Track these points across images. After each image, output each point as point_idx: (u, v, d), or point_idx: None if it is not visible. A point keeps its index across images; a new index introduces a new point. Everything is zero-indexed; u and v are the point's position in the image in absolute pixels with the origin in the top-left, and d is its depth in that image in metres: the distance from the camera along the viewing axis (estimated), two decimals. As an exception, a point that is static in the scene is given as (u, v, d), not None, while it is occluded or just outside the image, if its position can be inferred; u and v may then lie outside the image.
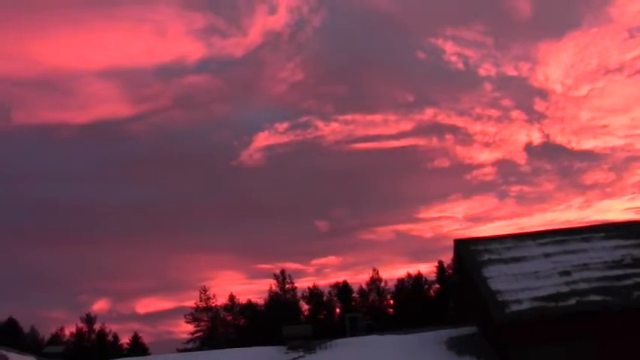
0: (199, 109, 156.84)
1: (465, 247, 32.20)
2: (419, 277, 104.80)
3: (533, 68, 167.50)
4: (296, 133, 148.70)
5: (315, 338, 35.41)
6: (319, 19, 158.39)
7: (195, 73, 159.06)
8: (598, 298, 27.34)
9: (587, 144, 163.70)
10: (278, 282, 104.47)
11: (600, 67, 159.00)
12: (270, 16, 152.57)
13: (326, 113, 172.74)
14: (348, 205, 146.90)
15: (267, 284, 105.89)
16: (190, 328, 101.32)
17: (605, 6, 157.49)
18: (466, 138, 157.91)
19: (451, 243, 33.85)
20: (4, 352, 31.07)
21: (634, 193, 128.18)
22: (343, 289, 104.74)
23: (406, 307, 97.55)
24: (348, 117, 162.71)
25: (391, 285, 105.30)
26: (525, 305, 27.31)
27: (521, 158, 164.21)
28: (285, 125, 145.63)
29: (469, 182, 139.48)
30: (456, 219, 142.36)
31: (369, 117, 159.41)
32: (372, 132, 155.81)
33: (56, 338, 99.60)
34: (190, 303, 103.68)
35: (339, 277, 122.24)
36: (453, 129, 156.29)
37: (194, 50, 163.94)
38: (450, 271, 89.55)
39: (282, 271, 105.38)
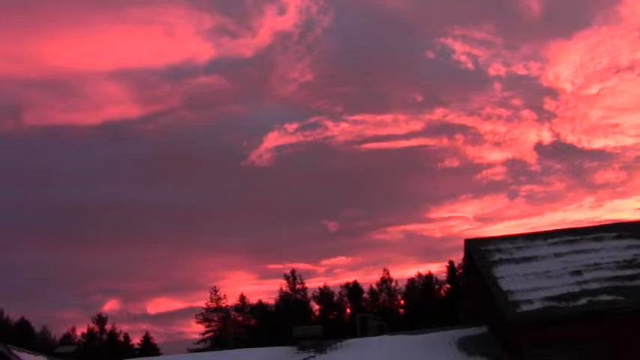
0: (209, 110, 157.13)
1: (475, 247, 32.13)
2: (429, 277, 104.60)
3: (543, 67, 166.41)
4: (306, 133, 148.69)
5: (325, 338, 35.43)
6: (328, 20, 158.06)
7: (204, 73, 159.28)
8: (609, 297, 27.21)
9: (598, 143, 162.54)
10: (288, 282, 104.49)
11: (611, 66, 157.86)
12: (279, 17, 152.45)
13: (336, 113, 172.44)
14: (358, 205, 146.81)
15: (278, 284, 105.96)
16: (201, 328, 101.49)
17: (616, 5, 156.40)
18: (476, 138, 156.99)
19: (461, 243, 33.82)
20: (16, 352, 31.21)
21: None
22: (354, 289, 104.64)
23: (417, 308, 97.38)
24: (358, 117, 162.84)
25: (402, 285, 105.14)
26: (536, 305, 27.22)
27: (532, 158, 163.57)
28: (295, 125, 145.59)
29: (479, 182, 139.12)
30: (467, 219, 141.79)
31: (379, 117, 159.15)
32: (382, 132, 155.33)
33: (67, 338, 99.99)
34: (201, 303, 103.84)
35: (350, 278, 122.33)
36: (463, 129, 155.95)
37: (203, 51, 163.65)
38: (460, 271, 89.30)
39: (293, 272, 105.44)
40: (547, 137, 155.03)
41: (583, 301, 27.19)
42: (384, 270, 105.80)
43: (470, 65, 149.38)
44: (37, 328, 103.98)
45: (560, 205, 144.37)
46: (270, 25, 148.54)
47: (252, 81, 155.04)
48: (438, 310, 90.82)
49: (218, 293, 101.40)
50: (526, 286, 28.38)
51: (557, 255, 30.46)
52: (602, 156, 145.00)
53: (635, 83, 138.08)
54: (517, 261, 30.35)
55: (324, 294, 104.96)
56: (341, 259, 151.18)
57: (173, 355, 52.84)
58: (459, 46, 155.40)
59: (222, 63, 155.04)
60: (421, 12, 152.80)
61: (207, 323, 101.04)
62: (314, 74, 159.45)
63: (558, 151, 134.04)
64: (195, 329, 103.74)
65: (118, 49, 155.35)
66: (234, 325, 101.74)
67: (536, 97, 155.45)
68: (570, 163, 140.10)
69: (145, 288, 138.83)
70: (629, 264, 29.23)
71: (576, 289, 27.87)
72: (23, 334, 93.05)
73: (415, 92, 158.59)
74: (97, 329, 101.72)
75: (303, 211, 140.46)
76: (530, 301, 27.41)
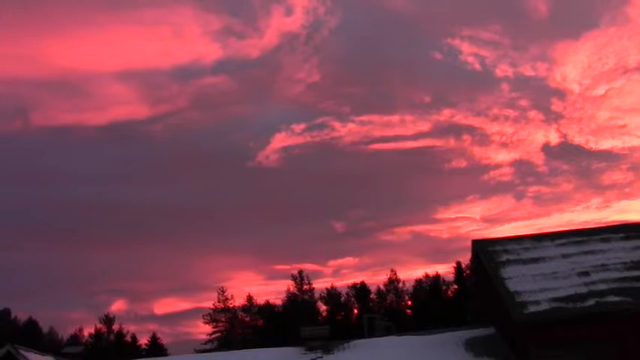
0: (216, 111, 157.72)
1: (483, 248, 32.09)
2: (437, 278, 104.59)
3: (550, 68, 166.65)
4: (313, 134, 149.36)
5: (333, 339, 35.42)
6: (335, 20, 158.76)
7: (211, 74, 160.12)
8: (617, 299, 27.14)
9: (606, 144, 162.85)
10: (296, 283, 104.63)
11: (618, 67, 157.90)
12: (286, 18, 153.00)
13: (343, 114, 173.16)
14: (365, 205, 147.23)
15: (285, 285, 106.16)
16: (208, 328, 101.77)
17: (623, 5, 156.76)
18: (483, 138, 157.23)
19: (469, 244, 33.77)
20: (23, 353, 31.35)
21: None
22: (361, 289, 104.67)
23: (424, 308, 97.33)
24: (365, 118, 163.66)
25: (409, 286, 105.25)
26: (544, 306, 27.18)
27: (539, 159, 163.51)
28: (302, 126, 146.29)
29: (486, 183, 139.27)
30: (474, 219, 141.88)
31: (386, 118, 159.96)
32: (389, 133, 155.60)
33: (75, 339, 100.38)
34: (208, 304, 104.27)
35: (357, 278, 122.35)
36: (470, 129, 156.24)
37: (211, 52, 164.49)
38: (467, 271, 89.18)
39: (300, 272, 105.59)
40: (554, 138, 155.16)
41: (591, 302, 27.13)
42: (392, 271, 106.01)
43: (477, 66, 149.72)
44: (45, 329, 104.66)
45: (567, 206, 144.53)
46: (277, 25, 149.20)
47: (260, 82, 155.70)
48: (446, 310, 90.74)
49: (225, 294, 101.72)
50: (533, 286, 28.33)
51: (564, 256, 30.40)
52: (609, 157, 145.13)
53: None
54: (524, 262, 30.30)
55: (332, 294, 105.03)
56: (348, 260, 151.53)
57: (180, 356, 52.88)
58: (466, 47, 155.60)
59: (230, 64, 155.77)
60: (428, 13, 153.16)
61: (214, 324, 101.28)
62: (321, 75, 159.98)
63: (566, 152, 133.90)
64: (203, 330, 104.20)
65: (125, 49, 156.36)
66: (241, 325, 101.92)
67: (543, 97, 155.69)
68: (578, 163, 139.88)
69: (152, 288, 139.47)
70: (636, 265, 29.14)
71: (584, 290, 27.82)
72: (31, 334, 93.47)
73: (422, 93, 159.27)
74: (104, 329, 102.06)
75: (311, 211, 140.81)
76: (537, 302, 27.36)
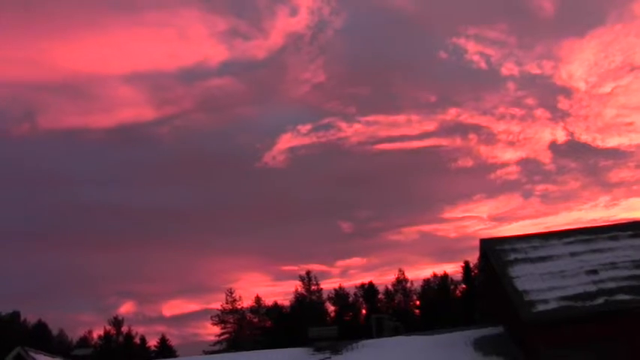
0: (222, 112, 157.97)
1: (490, 247, 32.01)
2: (445, 278, 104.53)
3: (556, 66, 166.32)
4: (319, 134, 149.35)
5: (341, 339, 35.41)
6: (340, 21, 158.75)
7: (217, 75, 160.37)
8: (626, 297, 27.00)
9: (613, 142, 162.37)
10: (303, 283, 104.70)
11: (625, 64, 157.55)
12: (291, 18, 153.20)
13: (349, 114, 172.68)
14: (372, 206, 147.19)
15: (293, 286, 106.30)
16: (217, 330, 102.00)
17: (630, 2, 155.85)
18: (490, 137, 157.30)
19: (476, 243, 33.72)
20: (33, 355, 31.46)
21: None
22: (369, 290, 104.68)
23: (432, 308, 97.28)
24: (371, 118, 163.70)
25: (417, 285, 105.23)
26: (552, 305, 27.08)
27: (546, 157, 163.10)
28: (308, 127, 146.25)
29: (493, 182, 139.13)
30: (481, 219, 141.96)
31: (392, 118, 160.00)
32: (395, 133, 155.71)
33: (84, 341, 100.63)
34: (216, 305, 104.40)
35: (365, 278, 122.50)
36: (477, 128, 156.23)
37: (216, 53, 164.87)
38: (475, 271, 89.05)
39: (308, 273, 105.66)
40: (561, 136, 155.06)
41: (600, 300, 27.00)
42: (399, 270, 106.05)
43: (483, 65, 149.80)
44: (54, 331, 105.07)
45: (575, 204, 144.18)
46: (282, 26, 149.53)
47: (265, 83, 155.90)
48: (454, 310, 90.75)
49: (233, 295, 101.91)
50: (542, 285, 28.24)
51: (572, 254, 30.28)
52: (616, 154, 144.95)
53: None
54: (532, 260, 30.21)
55: (340, 295, 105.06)
56: (356, 260, 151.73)
57: (189, 357, 53.04)
58: (471, 46, 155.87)
59: (235, 65, 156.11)
60: (433, 12, 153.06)
61: (222, 325, 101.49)
62: (326, 75, 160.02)
63: (573, 150, 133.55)
64: (211, 331, 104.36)
65: (131, 52, 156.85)
66: (249, 326, 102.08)
67: (549, 96, 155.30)
68: (585, 162, 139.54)
69: (160, 290, 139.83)
70: (645, 263, 29.01)
71: (593, 288, 27.70)
72: (40, 336, 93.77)
73: (428, 92, 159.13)
74: (113, 331, 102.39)
75: (317, 212, 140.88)
76: (545, 301, 27.27)
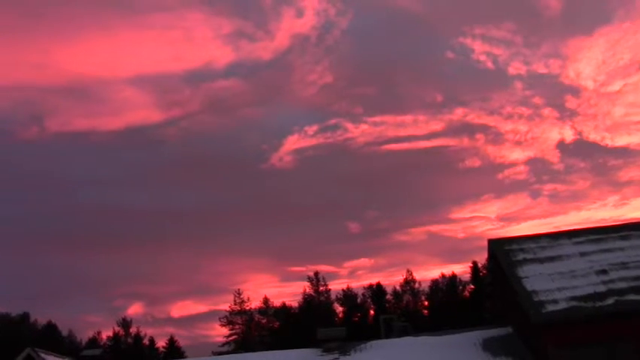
0: (229, 114, 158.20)
1: (499, 247, 31.90)
2: (453, 278, 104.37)
3: (564, 65, 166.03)
4: (326, 135, 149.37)
5: (349, 340, 35.35)
6: (346, 22, 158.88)
7: (224, 77, 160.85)
8: (637, 297, 26.85)
9: (621, 140, 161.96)
10: (312, 284, 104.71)
11: (633, 62, 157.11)
12: (297, 20, 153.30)
13: (355, 115, 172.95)
14: (380, 206, 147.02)
15: (301, 287, 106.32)
16: (225, 331, 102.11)
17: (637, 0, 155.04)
18: (497, 137, 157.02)
19: (484, 243, 33.60)
20: (43, 355, 31.56)
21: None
22: (377, 290, 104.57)
23: (441, 308, 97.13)
24: (378, 118, 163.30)
25: (425, 286, 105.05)
26: (562, 305, 26.96)
27: (554, 156, 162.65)
28: (315, 128, 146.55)
29: (501, 182, 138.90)
30: (489, 219, 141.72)
31: (399, 118, 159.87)
32: (402, 133, 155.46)
33: (93, 342, 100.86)
34: (225, 306, 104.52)
35: (373, 279, 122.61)
36: (484, 128, 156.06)
37: (222, 55, 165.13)
38: (484, 271, 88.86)
39: (316, 274, 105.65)
40: (569, 135, 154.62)
41: (610, 300, 26.86)
42: (408, 271, 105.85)
43: (490, 64, 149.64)
44: (64, 332, 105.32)
45: (584, 203, 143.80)
46: (288, 27, 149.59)
47: (272, 84, 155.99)
48: (462, 310, 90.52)
49: (242, 296, 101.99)
50: (551, 286, 28.12)
51: (582, 254, 30.14)
52: (625, 153, 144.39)
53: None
54: (541, 261, 30.09)
55: (348, 296, 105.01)
56: (364, 261, 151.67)
57: (198, 358, 53.10)
58: (478, 46, 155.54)
59: (241, 66, 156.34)
60: (440, 12, 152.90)
61: (231, 326, 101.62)
62: (333, 76, 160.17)
63: (581, 149, 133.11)
64: (219, 332, 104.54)
65: (137, 54, 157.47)
66: (258, 327, 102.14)
67: (557, 95, 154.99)
68: (593, 161, 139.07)
69: (169, 291, 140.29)
70: (656, 263, 28.85)
71: (603, 288, 27.56)
72: (50, 337, 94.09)
73: (435, 92, 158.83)
74: (122, 332, 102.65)
75: (325, 213, 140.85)
76: (555, 301, 27.15)
